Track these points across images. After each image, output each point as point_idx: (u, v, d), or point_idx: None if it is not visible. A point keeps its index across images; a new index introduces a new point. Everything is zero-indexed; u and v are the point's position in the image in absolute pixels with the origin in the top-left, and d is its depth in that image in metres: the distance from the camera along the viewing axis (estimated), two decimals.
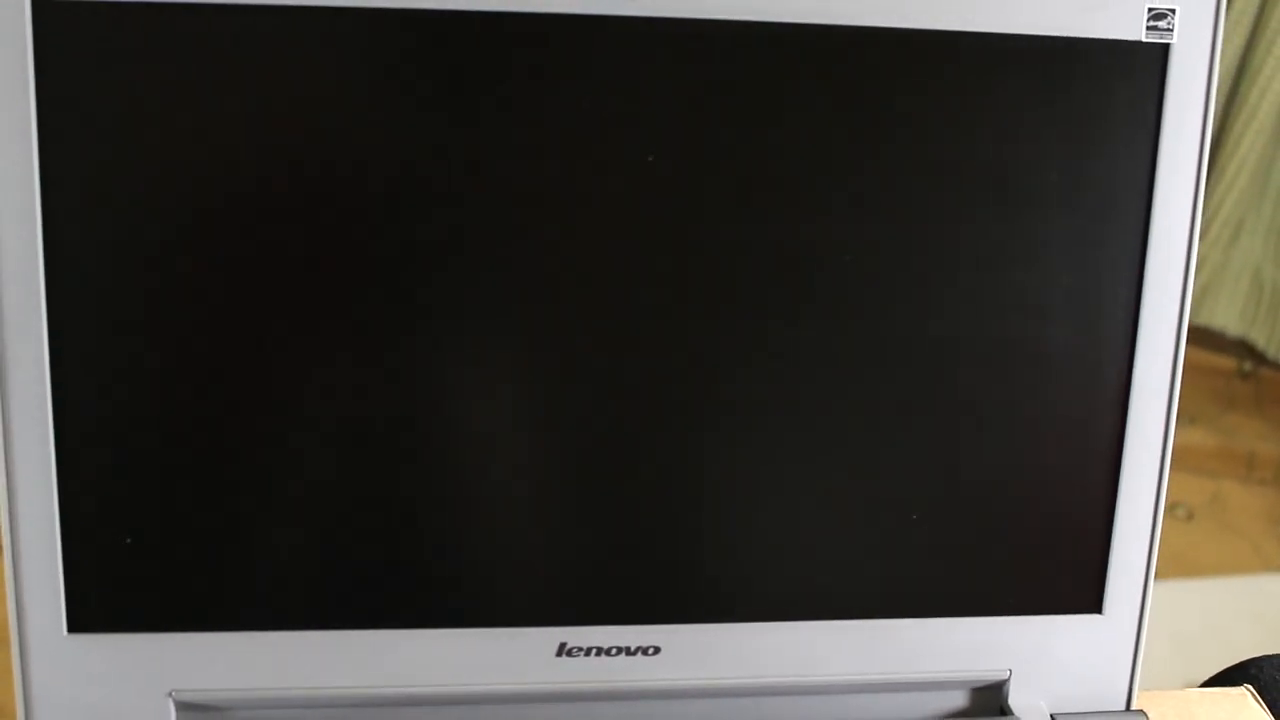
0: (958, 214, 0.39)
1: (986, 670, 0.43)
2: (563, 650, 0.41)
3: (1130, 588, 0.43)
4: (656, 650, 0.41)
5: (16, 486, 0.37)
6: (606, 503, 0.40)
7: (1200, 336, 1.60)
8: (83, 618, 0.38)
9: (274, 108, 0.37)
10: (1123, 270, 0.41)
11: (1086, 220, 0.40)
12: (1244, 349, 1.60)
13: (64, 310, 0.37)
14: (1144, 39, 0.39)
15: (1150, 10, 0.39)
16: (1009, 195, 0.40)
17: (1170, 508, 1.41)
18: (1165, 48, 0.39)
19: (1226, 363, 1.58)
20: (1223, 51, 1.45)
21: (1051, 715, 0.43)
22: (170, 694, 0.39)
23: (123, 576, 0.39)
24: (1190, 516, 1.40)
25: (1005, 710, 0.43)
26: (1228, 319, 1.57)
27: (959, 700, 0.44)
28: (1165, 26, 0.39)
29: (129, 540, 0.38)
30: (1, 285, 0.36)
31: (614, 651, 0.41)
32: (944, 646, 0.42)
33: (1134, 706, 0.44)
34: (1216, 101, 1.49)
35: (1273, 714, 0.47)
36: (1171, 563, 1.36)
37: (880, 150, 0.39)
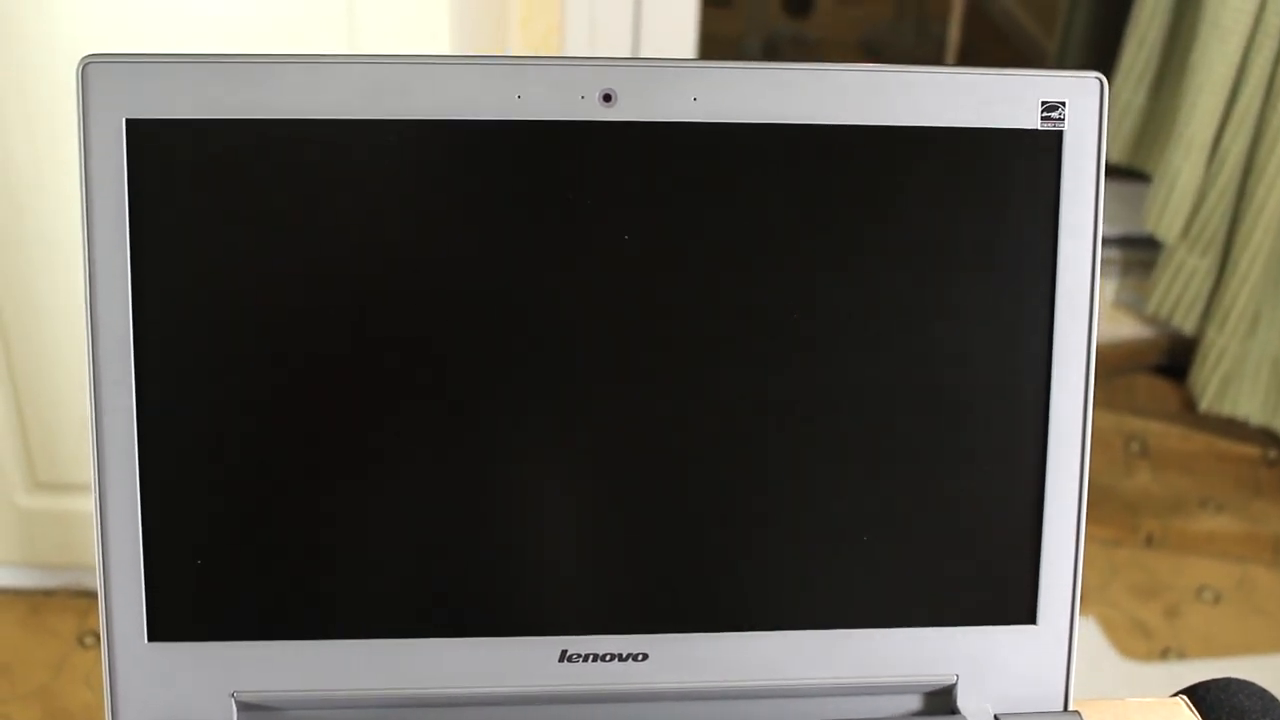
0: (888, 279, 0.47)
1: (937, 675, 0.49)
2: (564, 656, 0.47)
3: (1060, 601, 0.49)
4: (645, 656, 0.48)
5: (108, 520, 0.45)
6: (602, 530, 0.47)
7: (1224, 426, 1.64)
8: (161, 628, 0.46)
9: (335, 211, 0.45)
10: (1036, 321, 0.47)
11: (1001, 281, 0.47)
12: (1268, 437, 1.64)
13: (150, 366, 0.45)
14: (1040, 127, 0.47)
15: (1043, 103, 0.47)
16: (933, 262, 0.47)
17: (1198, 591, 1.44)
18: (1059, 134, 0.47)
19: (1251, 451, 1.62)
20: (1228, 150, 1.52)
21: (996, 716, 0.49)
22: (233, 695, 0.46)
23: (196, 594, 0.46)
24: (1218, 600, 1.43)
25: (955, 711, 0.49)
26: (1250, 409, 1.61)
27: (914, 703, 0.50)
28: (1057, 116, 0.47)
29: (201, 563, 0.46)
30: (99, 351, 0.45)
31: (608, 658, 0.47)
32: (899, 654, 0.49)
33: (1070, 708, 0.49)
34: (1225, 199, 1.55)
35: None
36: (1200, 644, 1.39)
37: (822, 228, 0.47)
